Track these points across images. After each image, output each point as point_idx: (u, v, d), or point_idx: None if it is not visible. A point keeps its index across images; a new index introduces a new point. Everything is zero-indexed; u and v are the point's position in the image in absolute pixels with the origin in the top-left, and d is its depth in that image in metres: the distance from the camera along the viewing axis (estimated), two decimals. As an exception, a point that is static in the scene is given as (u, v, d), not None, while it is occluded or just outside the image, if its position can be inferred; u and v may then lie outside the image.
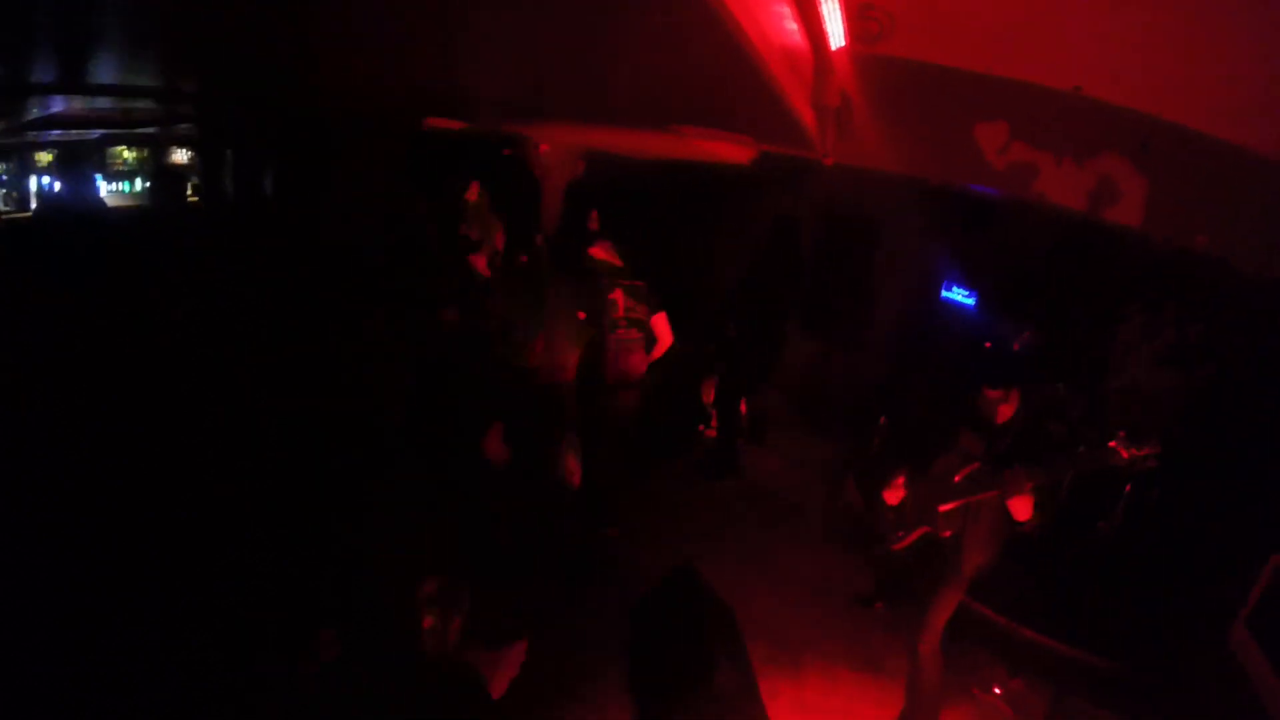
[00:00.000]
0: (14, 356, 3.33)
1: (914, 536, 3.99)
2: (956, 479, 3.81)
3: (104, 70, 4.32)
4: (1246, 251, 3.09)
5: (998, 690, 4.20)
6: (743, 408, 6.76)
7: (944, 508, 3.76)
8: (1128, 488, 4.17)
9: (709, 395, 6.96)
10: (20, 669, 2.61)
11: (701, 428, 6.93)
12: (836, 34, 2.77)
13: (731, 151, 5.34)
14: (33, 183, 6.56)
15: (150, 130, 7.03)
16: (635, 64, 3.06)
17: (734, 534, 5.64)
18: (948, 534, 3.82)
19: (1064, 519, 3.92)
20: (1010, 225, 5.47)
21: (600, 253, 4.70)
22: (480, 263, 5.15)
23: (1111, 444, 3.25)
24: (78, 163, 6.16)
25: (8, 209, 6.37)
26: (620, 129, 5.04)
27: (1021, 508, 3.40)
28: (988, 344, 5.61)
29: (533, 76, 3.79)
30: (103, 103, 5.93)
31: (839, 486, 6.42)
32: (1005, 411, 3.74)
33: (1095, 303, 4.81)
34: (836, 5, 2.51)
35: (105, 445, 3.30)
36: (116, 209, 6.72)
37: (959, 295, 6.40)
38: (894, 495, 4.07)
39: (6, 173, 6.51)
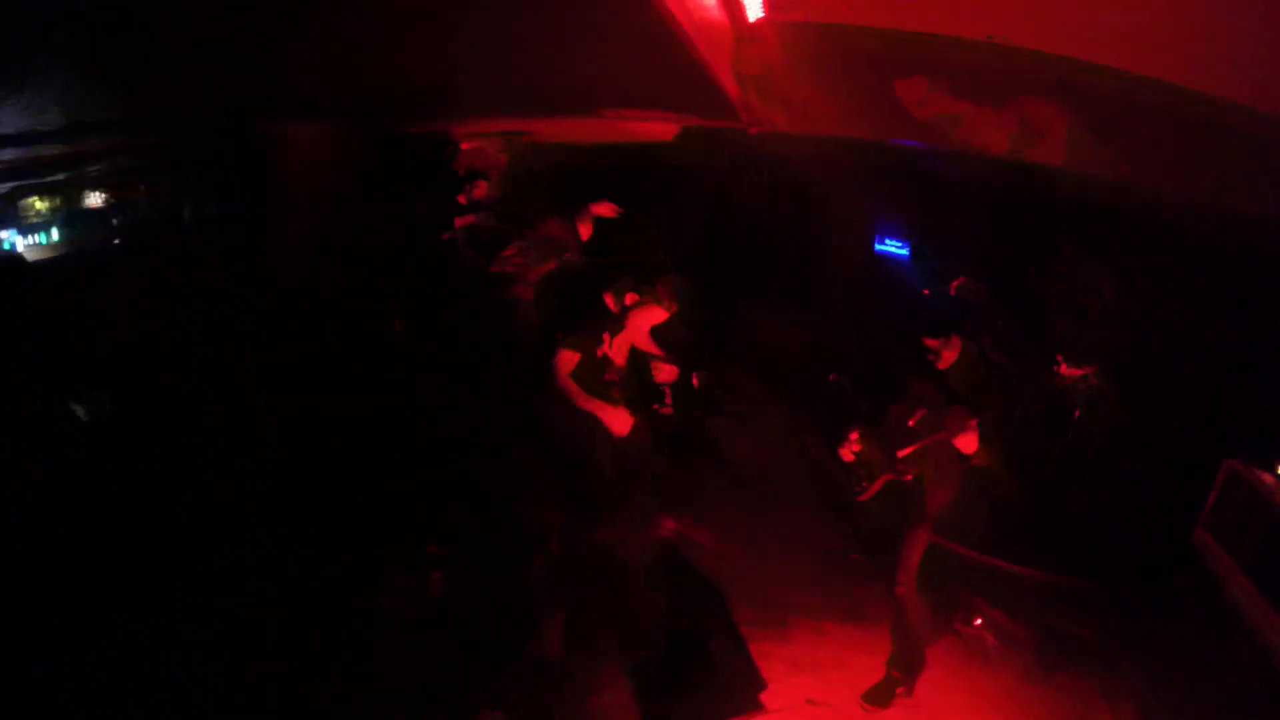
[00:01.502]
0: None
1: (878, 485, 4.13)
2: (911, 424, 3.95)
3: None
4: (1168, 176, 3.23)
5: (979, 622, 4.36)
6: (694, 380, 6.80)
7: (902, 453, 3.92)
8: (1076, 413, 4.34)
9: (660, 375, 6.98)
10: (20, 669, 2.61)
11: (656, 406, 6.96)
12: (754, 5, 2.77)
13: (655, 129, 5.31)
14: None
15: (62, 176, 6.63)
16: (558, 49, 3.01)
17: (703, 502, 5.70)
18: (909, 477, 3.96)
19: (1022, 450, 4.04)
20: (938, 176, 5.60)
21: None
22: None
23: (1055, 369, 3.42)
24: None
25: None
26: (545, 117, 4.95)
27: (968, 443, 3.57)
28: (925, 291, 5.75)
29: (450, 69, 3.69)
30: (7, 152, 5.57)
31: (800, 445, 6.53)
32: (948, 356, 3.91)
33: (1029, 247, 4.97)
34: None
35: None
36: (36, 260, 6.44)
37: (893, 247, 6.53)
38: (849, 451, 4.20)
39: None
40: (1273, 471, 3.28)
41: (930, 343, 3.89)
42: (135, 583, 2.99)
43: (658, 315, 4.59)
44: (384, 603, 3.41)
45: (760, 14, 2.82)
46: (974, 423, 3.58)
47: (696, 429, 6.58)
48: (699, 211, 6.72)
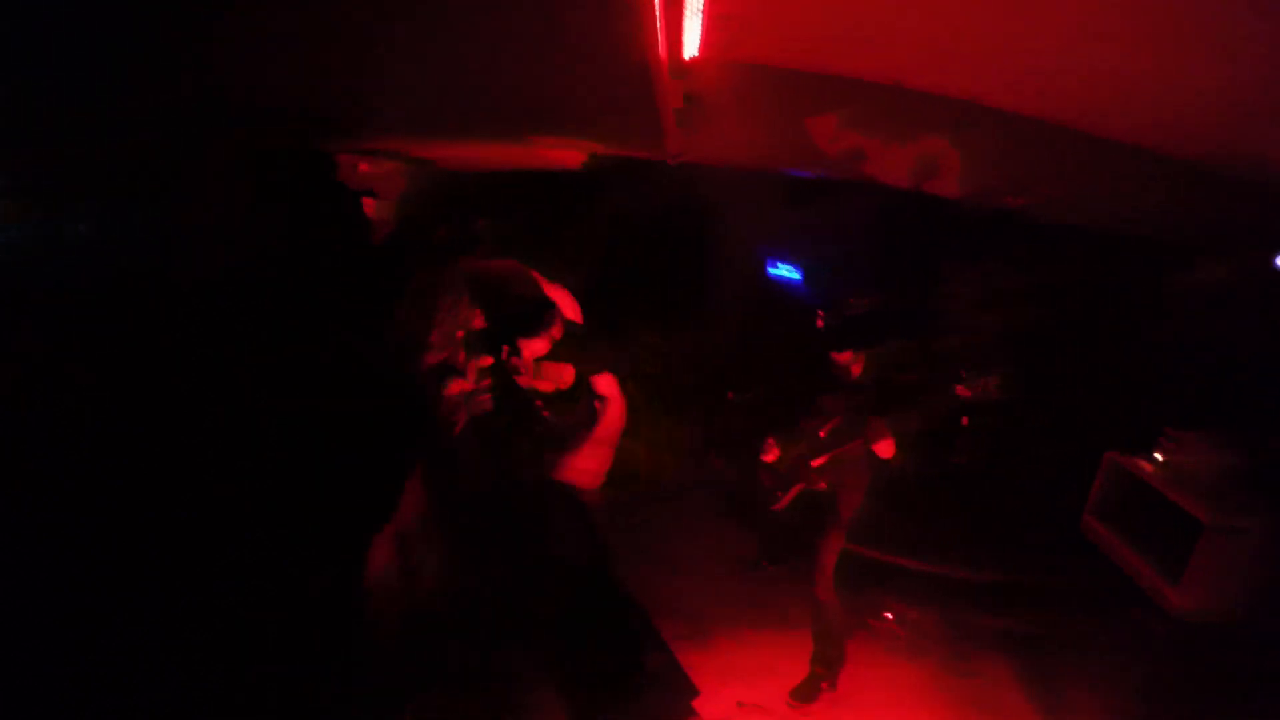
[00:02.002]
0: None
1: (792, 494, 4.36)
2: (822, 435, 4.21)
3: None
4: (1049, 205, 3.67)
5: (891, 618, 4.68)
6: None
7: (816, 463, 4.17)
8: (964, 420, 4.74)
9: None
10: (20, 669, 2.61)
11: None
12: (693, 43, 2.92)
13: (564, 156, 5.40)
14: None
15: None
16: (496, 74, 3.04)
17: (612, 521, 5.79)
18: (823, 486, 4.22)
19: (920, 455, 4.36)
20: (829, 201, 5.99)
21: None
22: None
23: (957, 383, 3.77)
24: None
25: None
26: (460, 142, 4.93)
27: (886, 449, 3.87)
28: (820, 315, 6.09)
29: (366, 89, 3.63)
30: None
31: (701, 461, 6.76)
32: (855, 370, 4.21)
33: (915, 262, 5.41)
34: (698, 18, 2.66)
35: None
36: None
37: (785, 271, 6.89)
38: (769, 457, 4.42)
39: None
40: (1149, 459, 3.76)
41: (840, 358, 4.18)
42: (128, 582, 2.88)
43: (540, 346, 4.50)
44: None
45: (696, 53, 2.96)
46: (889, 432, 3.90)
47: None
48: (599, 236, 6.85)
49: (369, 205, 6.75)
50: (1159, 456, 3.66)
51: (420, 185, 6.86)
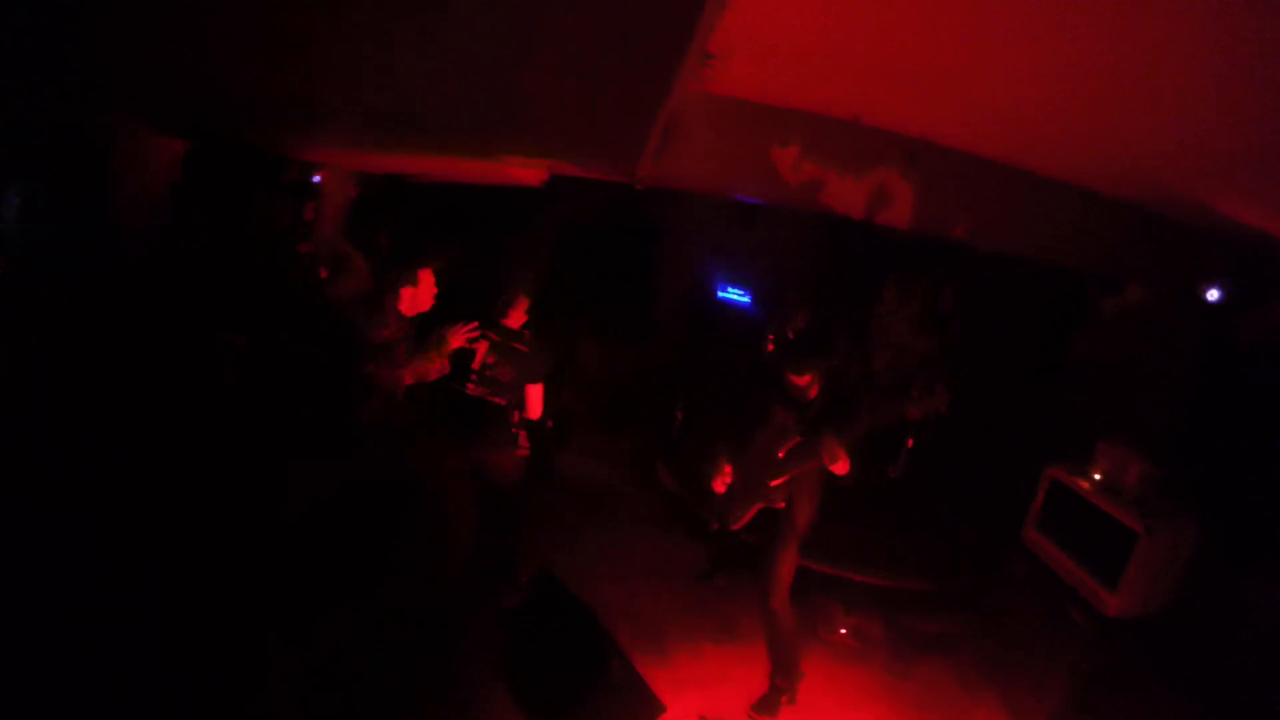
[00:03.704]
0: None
1: (752, 513, 4.49)
2: (780, 455, 4.36)
3: None
4: (993, 235, 3.95)
5: (842, 631, 4.84)
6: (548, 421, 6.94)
7: (774, 482, 4.30)
8: (910, 441, 4.99)
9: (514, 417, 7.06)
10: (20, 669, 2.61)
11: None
12: (680, 75, 3.04)
13: (526, 174, 5.44)
14: None
15: None
16: (473, 87, 3.07)
17: (563, 533, 5.85)
18: (782, 504, 4.36)
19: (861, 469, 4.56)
20: (775, 226, 6.21)
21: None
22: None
23: (907, 401, 3.97)
24: None
25: None
26: (424, 155, 4.92)
27: (842, 467, 4.03)
28: (770, 339, 6.30)
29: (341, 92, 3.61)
30: None
31: (648, 474, 6.85)
32: (813, 392, 4.37)
33: (857, 285, 5.67)
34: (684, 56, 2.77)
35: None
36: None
37: (734, 294, 7.09)
38: (722, 484, 4.54)
39: None
40: (1087, 477, 4.04)
41: (798, 380, 4.34)
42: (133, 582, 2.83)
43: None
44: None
45: (687, 83, 3.09)
46: (843, 448, 4.07)
47: (549, 463, 6.73)
48: (552, 252, 6.91)
49: (309, 210, 6.64)
50: (1095, 473, 3.95)
51: (370, 191, 6.80)
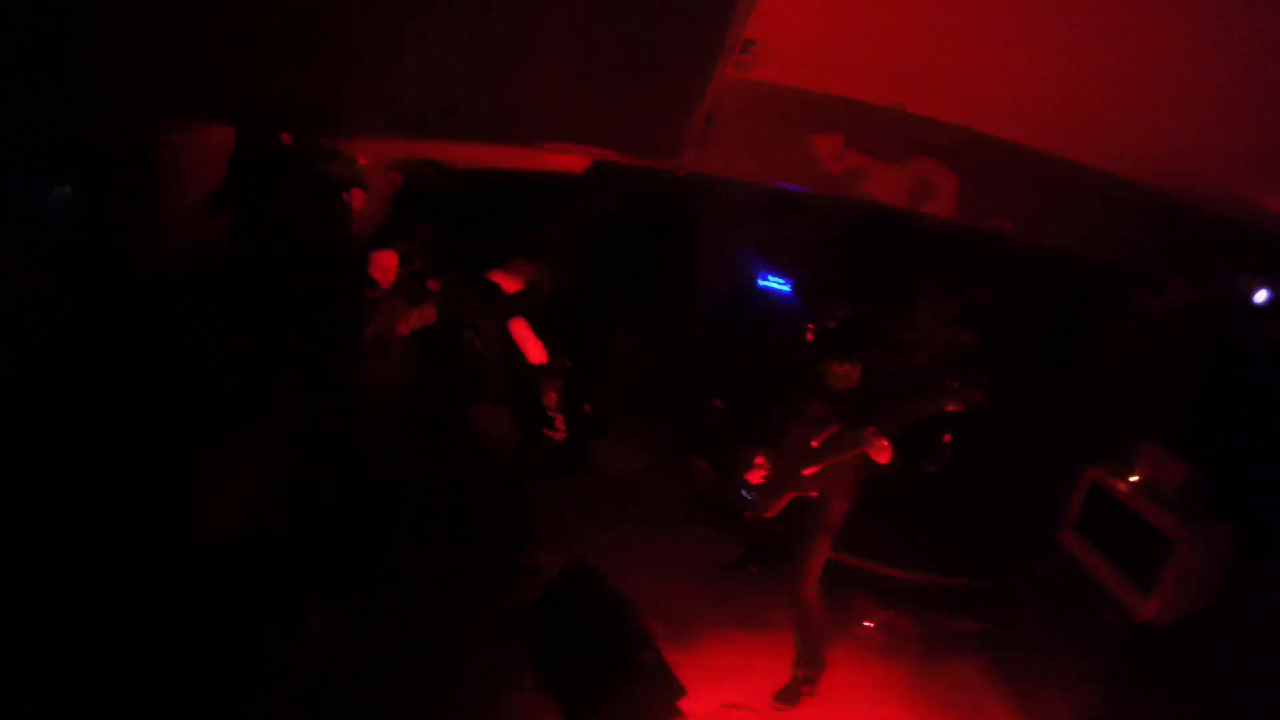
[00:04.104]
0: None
1: (784, 502, 4.48)
2: (815, 444, 4.34)
3: None
4: (1037, 227, 3.89)
5: (870, 624, 4.82)
6: (585, 406, 6.99)
7: (808, 471, 4.29)
8: (947, 436, 4.91)
9: (550, 399, 7.11)
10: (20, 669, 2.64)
11: (547, 431, 7.08)
12: (726, 62, 3.04)
13: (567, 161, 5.48)
14: None
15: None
16: (538, 75, 3.10)
17: (599, 523, 5.91)
18: (815, 494, 4.34)
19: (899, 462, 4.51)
20: (815, 216, 6.15)
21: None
22: None
23: (946, 394, 3.93)
24: None
25: None
26: (469, 143, 4.98)
27: (884, 456, 4.00)
28: (810, 329, 6.25)
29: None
30: None
31: (687, 466, 6.87)
32: (851, 381, 4.34)
33: (896, 278, 5.60)
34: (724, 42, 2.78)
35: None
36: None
37: (775, 283, 7.05)
38: (757, 475, 4.54)
39: None
40: (1124, 477, 3.95)
41: (838, 369, 4.32)
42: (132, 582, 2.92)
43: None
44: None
45: (727, 69, 3.09)
46: (886, 439, 4.04)
47: (586, 453, 6.79)
48: (590, 241, 6.94)
49: (358, 197, 6.74)
50: (1134, 475, 3.86)
51: (413, 182, 6.88)
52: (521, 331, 5.01)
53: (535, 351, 4.98)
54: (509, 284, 4.95)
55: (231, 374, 4.42)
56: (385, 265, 4.98)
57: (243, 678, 3.06)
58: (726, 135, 3.77)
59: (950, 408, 3.84)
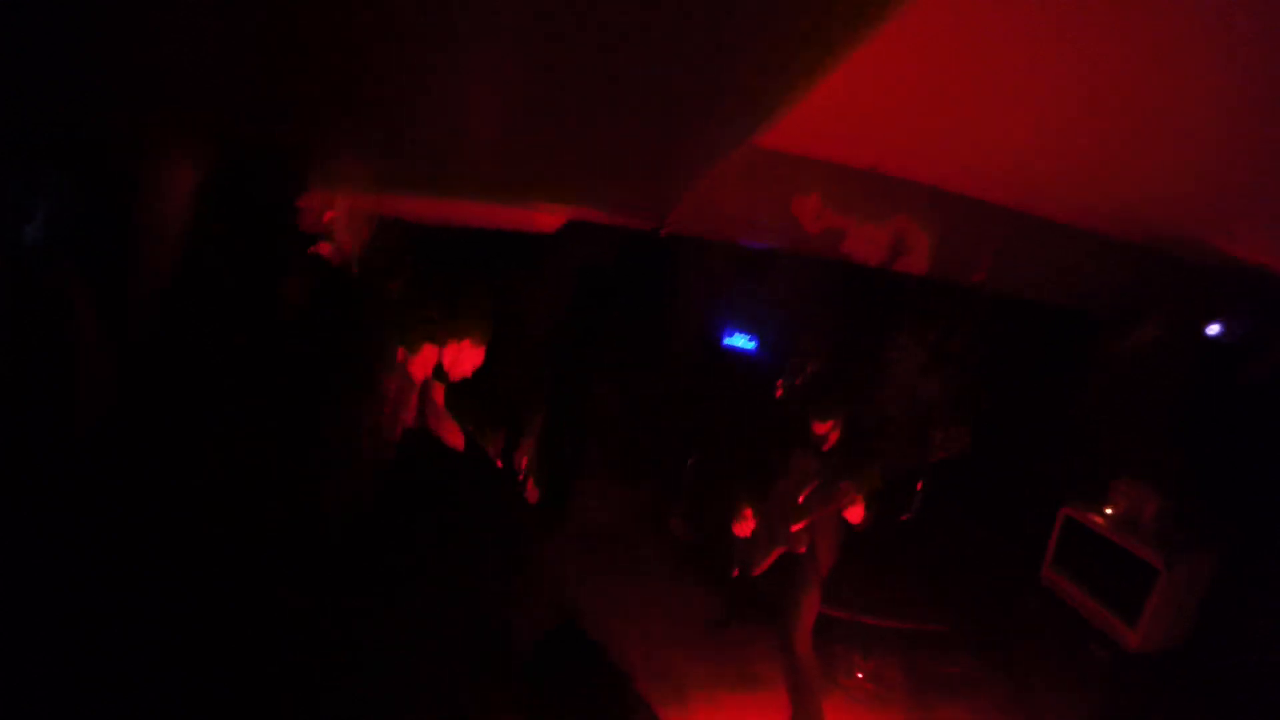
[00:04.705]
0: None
1: (773, 558, 4.52)
2: (800, 500, 4.41)
3: None
4: (1006, 280, 4.11)
5: (859, 675, 4.83)
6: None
7: (795, 527, 4.35)
8: (920, 484, 5.04)
9: (520, 462, 7.07)
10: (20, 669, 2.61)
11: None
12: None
13: (544, 221, 5.56)
14: None
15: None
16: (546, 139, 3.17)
17: (578, 578, 5.81)
18: (803, 550, 4.40)
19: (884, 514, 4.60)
20: (780, 274, 6.36)
21: None
22: None
23: (930, 443, 4.06)
24: None
25: None
26: (457, 200, 5.01)
27: (855, 514, 4.11)
28: (779, 385, 6.39)
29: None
30: None
31: (663, 522, 6.86)
32: (833, 437, 4.46)
33: (867, 331, 5.80)
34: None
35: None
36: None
37: (740, 341, 7.19)
38: (744, 528, 4.59)
39: None
40: (1100, 512, 4.11)
41: (820, 427, 4.42)
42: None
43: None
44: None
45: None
46: (859, 496, 4.14)
47: (560, 504, 6.72)
48: (564, 298, 7.00)
49: (325, 250, 6.68)
50: (1108, 509, 4.03)
51: (384, 235, 6.86)
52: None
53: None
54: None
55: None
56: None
57: (243, 678, 2.97)
58: (713, 197, 3.92)
59: (936, 457, 3.97)
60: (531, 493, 6.94)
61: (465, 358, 4.38)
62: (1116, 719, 3.71)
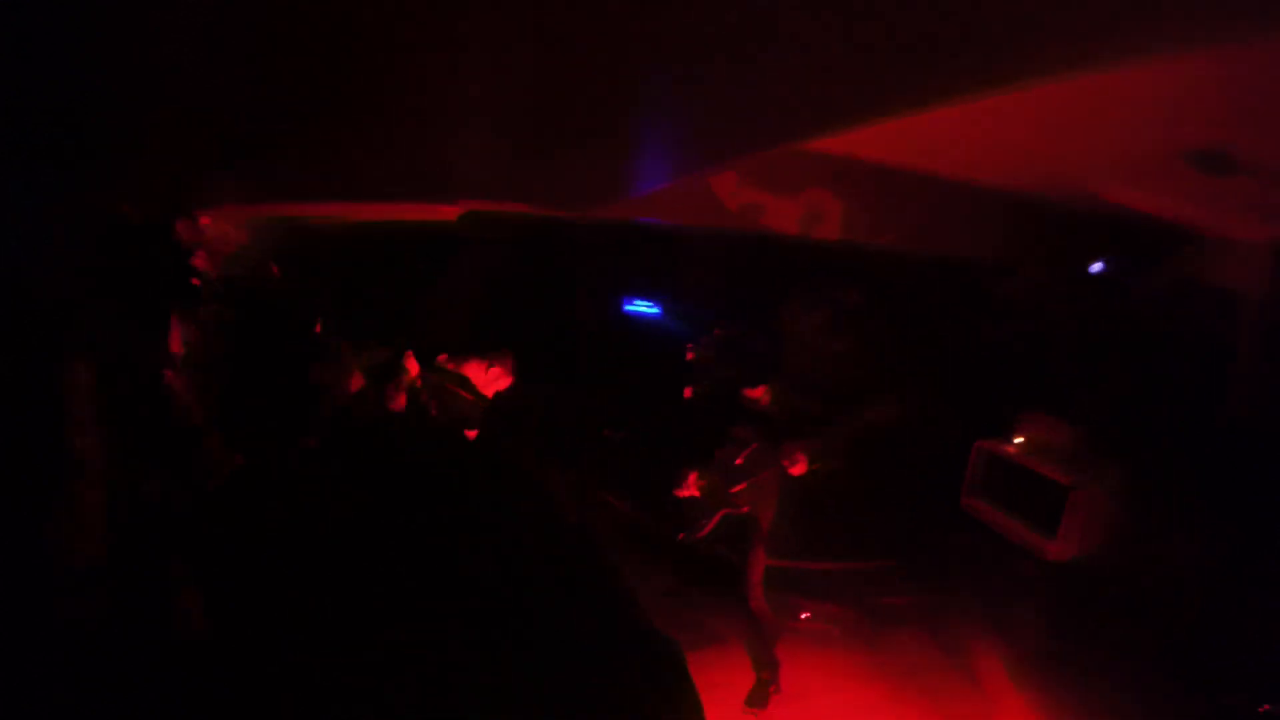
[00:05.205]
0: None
1: (716, 520, 4.71)
2: (739, 462, 4.61)
3: None
4: (914, 239, 4.39)
5: (805, 617, 5.15)
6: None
7: (736, 489, 4.55)
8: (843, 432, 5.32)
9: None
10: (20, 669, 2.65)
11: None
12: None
13: (436, 213, 5.42)
14: None
15: None
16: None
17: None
18: (746, 509, 4.61)
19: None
20: (683, 242, 6.45)
21: None
22: None
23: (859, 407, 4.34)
24: None
25: None
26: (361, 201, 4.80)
27: (800, 468, 4.35)
28: (689, 349, 6.50)
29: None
30: None
31: (594, 501, 6.90)
32: (765, 402, 4.67)
33: (769, 292, 6.00)
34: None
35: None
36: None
37: (642, 306, 7.24)
38: (688, 491, 4.75)
39: None
40: (1011, 442, 4.53)
41: (750, 393, 4.61)
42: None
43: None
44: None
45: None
46: (801, 452, 4.38)
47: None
48: (465, 288, 6.83)
49: (200, 261, 6.22)
50: (1021, 440, 4.45)
51: (264, 240, 6.42)
52: None
53: None
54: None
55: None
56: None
57: (243, 678, 2.92)
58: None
59: (871, 423, 4.25)
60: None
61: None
62: (1050, 624, 4.17)
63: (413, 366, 4.36)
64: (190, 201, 5.41)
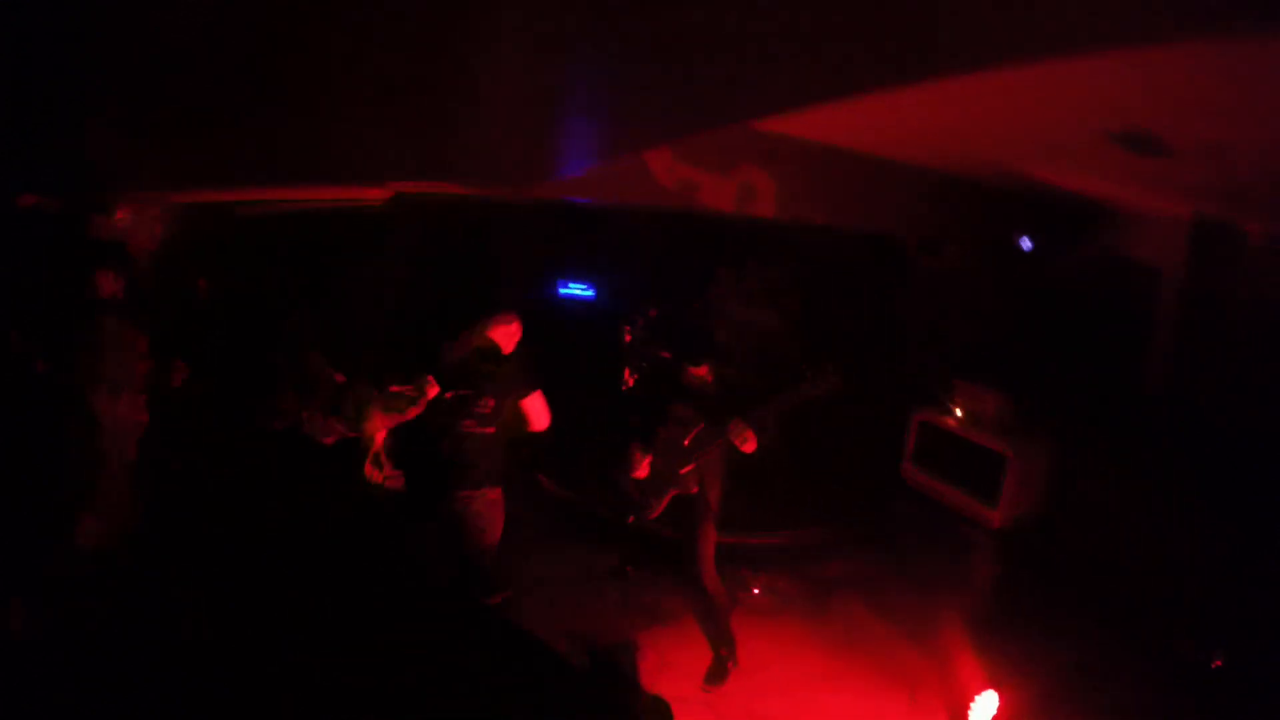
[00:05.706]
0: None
1: (666, 501, 4.72)
2: (686, 443, 4.62)
3: None
4: (849, 217, 4.42)
5: (755, 590, 5.22)
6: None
7: (684, 470, 4.56)
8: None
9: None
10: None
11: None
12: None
13: (370, 193, 5.26)
14: None
15: None
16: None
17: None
18: (695, 489, 4.62)
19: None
20: (615, 224, 6.40)
21: None
22: None
23: (801, 382, 4.36)
24: None
25: None
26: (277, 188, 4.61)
27: (750, 445, 4.37)
28: (626, 332, 6.48)
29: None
30: None
31: (533, 488, 6.85)
32: (709, 380, 4.67)
33: (698, 271, 6.03)
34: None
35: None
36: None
37: (577, 290, 7.17)
38: (641, 471, 4.73)
39: None
40: (951, 414, 4.63)
41: (696, 370, 4.60)
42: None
43: None
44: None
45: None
46: (749, 429, 4.39)
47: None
48: (393, 273, 6.68)
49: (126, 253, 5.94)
50: (957, 410, 4.56)
51: (186, 230, 6.14)
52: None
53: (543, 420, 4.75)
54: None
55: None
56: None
57: (243, 678, 2.95)
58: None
59: (811, 395, 4.27)
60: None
61: None
62: (994, 590, 4.31)
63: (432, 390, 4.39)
64: (107, 191, 5.16)
